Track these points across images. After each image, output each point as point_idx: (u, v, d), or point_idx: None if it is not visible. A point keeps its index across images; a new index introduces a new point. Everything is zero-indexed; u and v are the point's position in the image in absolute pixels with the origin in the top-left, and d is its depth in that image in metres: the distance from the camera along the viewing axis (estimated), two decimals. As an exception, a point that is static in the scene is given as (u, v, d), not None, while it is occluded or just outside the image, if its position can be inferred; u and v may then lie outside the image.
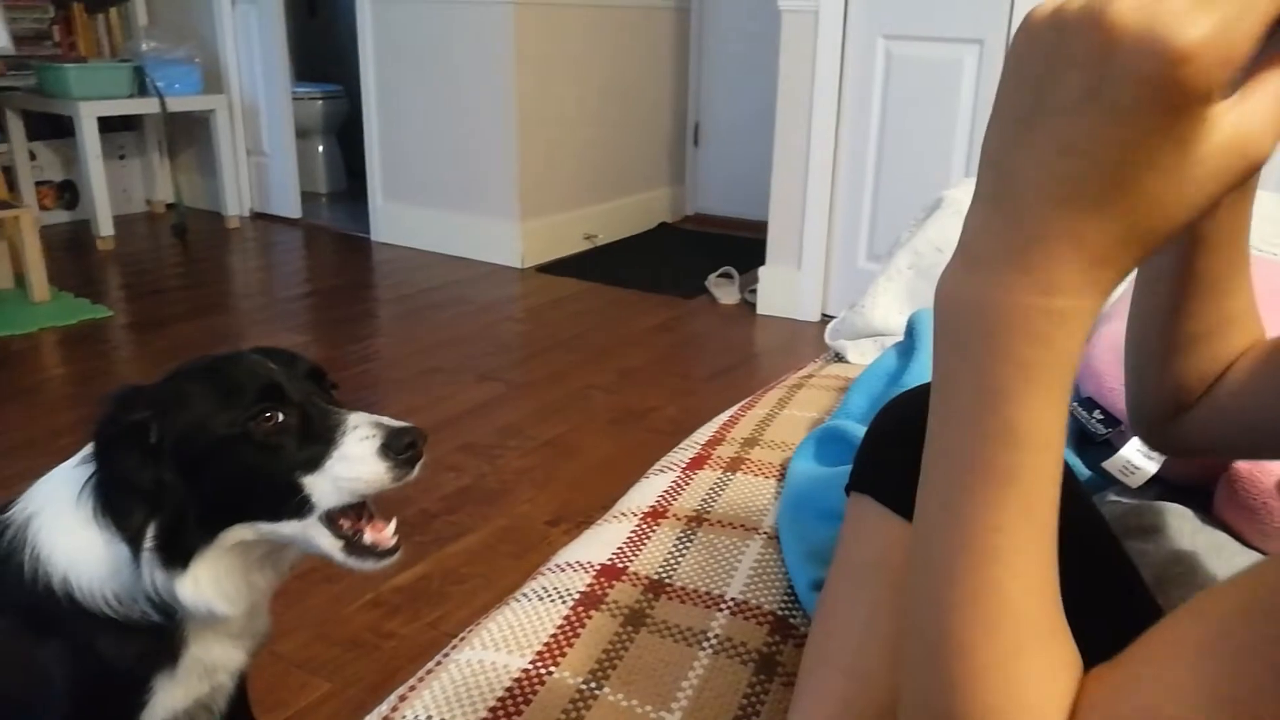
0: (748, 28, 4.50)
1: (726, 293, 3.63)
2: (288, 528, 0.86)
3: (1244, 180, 0.33)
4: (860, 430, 0.88)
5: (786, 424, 1.05)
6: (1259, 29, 0.30)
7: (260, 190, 4.73)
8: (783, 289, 3.39)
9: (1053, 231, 0.34)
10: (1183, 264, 0.55)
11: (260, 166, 4.69)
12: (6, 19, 3.49)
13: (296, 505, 0.84)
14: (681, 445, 1.06)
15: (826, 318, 3.35)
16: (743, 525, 0.86)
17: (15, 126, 4.23)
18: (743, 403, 1.18)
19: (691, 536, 0.85)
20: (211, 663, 0.96)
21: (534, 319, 3.45)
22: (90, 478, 0.87)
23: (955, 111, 2.94)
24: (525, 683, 0.67)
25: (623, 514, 0.91)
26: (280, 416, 0.84)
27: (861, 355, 1.27)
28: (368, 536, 0.87)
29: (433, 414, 2.54)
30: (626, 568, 0.80)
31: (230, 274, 4.06)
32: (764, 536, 0.84)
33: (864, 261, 3.23)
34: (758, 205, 4.37)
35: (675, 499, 0.91)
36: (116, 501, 0.84)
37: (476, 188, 3.97)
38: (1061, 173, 0.33)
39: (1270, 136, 0.32)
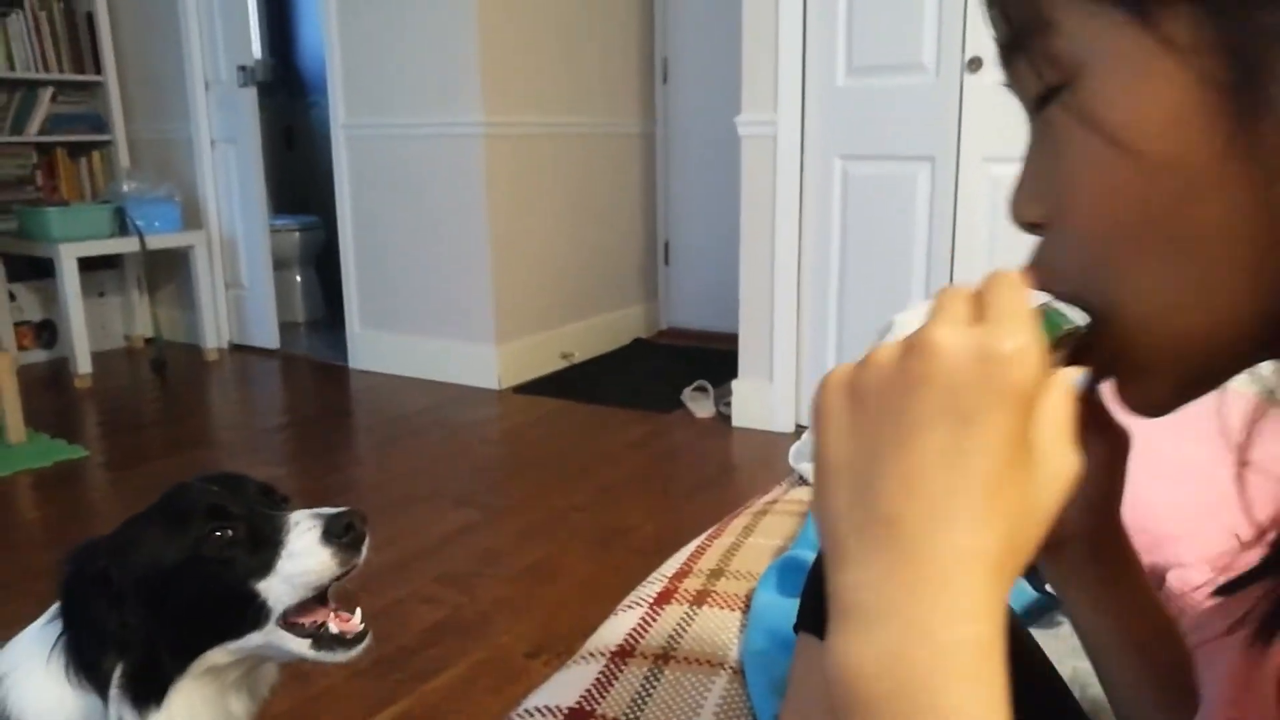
0: (710, 151, 4.68)
1: (702, 406, 3.66)
2: (253, 640, 0.86)
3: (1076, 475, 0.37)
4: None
5: (751, 552, 1.07)
6: (1045, 342, 0.36)
7: (238, 322, 4.78)
8: (756, 401, 3.44)
9: (944, 555, 0.34)
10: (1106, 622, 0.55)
11: (238, 299, 4.76)
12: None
13: (255, 613, 0.85)
14: (650, 579, 1.07)
15: (801, 428, 3.38)
16: (708, 661, 0.87)
17: (-5, 269, 4.29)
18: (709, 531, 1.19)
19: (659, 675, 0.85)
20: None
21: (512, 440, 3.47)
22: (60, 636, 0.88)
23: (912, 224, 3.04)
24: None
25: (591, 654, 0.92)
26: (228, 532, 0.87)
27: (825, 478, 1.29)
28: (334, 627, 0.88)
29: (410, 544, 2.52)
30: (594, 710, 0.81)
31: (208, 407, 4.07)
32: (729, 671, 0.85)
33: (835, 371, 3.29)
34: (729, 318, 4.45)
35: (642, 637, 0.92)
36: (85, 651, 0.85)
37: (452, 312, 4.04)
38: (937, 491, 0.34)
39: (1058, 442, 0.36)
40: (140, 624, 0.85)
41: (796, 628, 0.67)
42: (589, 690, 0.84)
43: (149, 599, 0.85)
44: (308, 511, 0.89)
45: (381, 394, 4.02)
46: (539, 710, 0.82)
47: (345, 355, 4.37)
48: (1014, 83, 0.42)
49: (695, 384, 3.78)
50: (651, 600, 1.00)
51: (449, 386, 4.04)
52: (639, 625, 0.95)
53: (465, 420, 3.65)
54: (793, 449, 1.42)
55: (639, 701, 0.82)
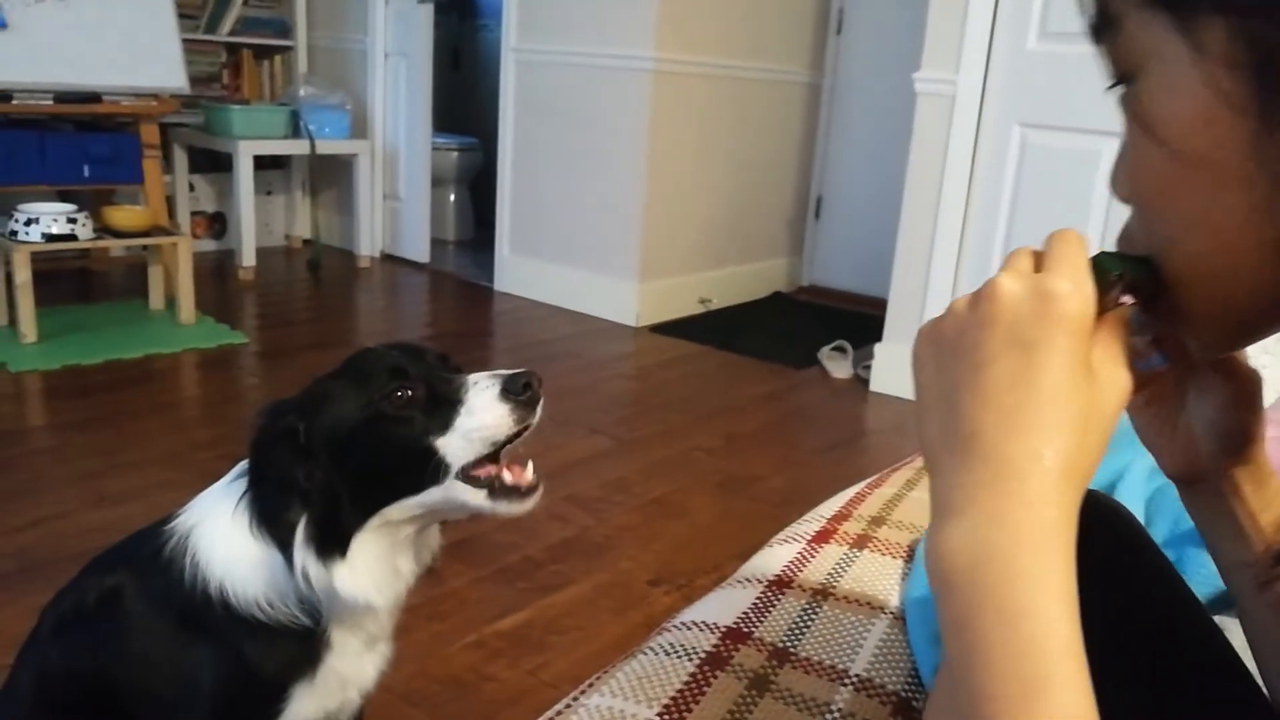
0: (880, 105, 4.53)
1: (839, 366, 3.60)
2: (432, 495, 0.89)
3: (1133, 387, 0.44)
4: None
5: (915, 505, 1.05)
6: (1095, 283, 0.43)
7: (392, 233, 4.95)
8: (898, 367, 3.35)
9: (1017, 456, 0.40)
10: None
11: (394, 210, 4.92)
12: (186, 62, 3.78)
13: (434, 469, 0.88)
14: (806, 517, 1.06)
15: (940, 400, 3.29)
16: (868, 603, 0.85)
17: (180, 160, 4.55)
18: (870, 480, 1.17)
19: (817, 609, 0.85)
20: (345, 675, 1.00)
21: (645, 377, 3.49)
22: (245, 492, 0.93)
23: (1089, 204, 2.88)
24: (653, 734, 0.68)
25: (747, 580, 0.92)
26: (408, 392, 0.89)
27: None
28: (508, 478, 0.91)
29: (543, 463, 2.56)
30: (751, 633, 0.81)
31: (357, 311, 4.25)
32: (890, 616, 0.84)
33: (983, 346, 3.17)
34: (876, 281, 4.35)
35: (801, 570, 0.92)
36: (271, 503, 0.90)
37: (599, 246, 4.07)
38: (1008, 406, 0.41)
39: (1109, 363, 0.43)
40: (325, 478, 0.89)
41: None
42: (746, 613, 0.84)
43: (334, 454, 0.89)
44: (485, 373, 0.92)
45: (523, 318, 4.10)
46: (696, 625, 0.83)
47: (491, 277, 4.48)
48: (1102, 66, 0.47)
49: (834, 343, 3.72)
50: (809, 537, 0.99)
51: (588, 319, 4.09)
52: (797, 559, 0.94)
53: (601, 353, 3.70)
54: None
55: (796, 631, 0.81)
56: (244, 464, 0.99)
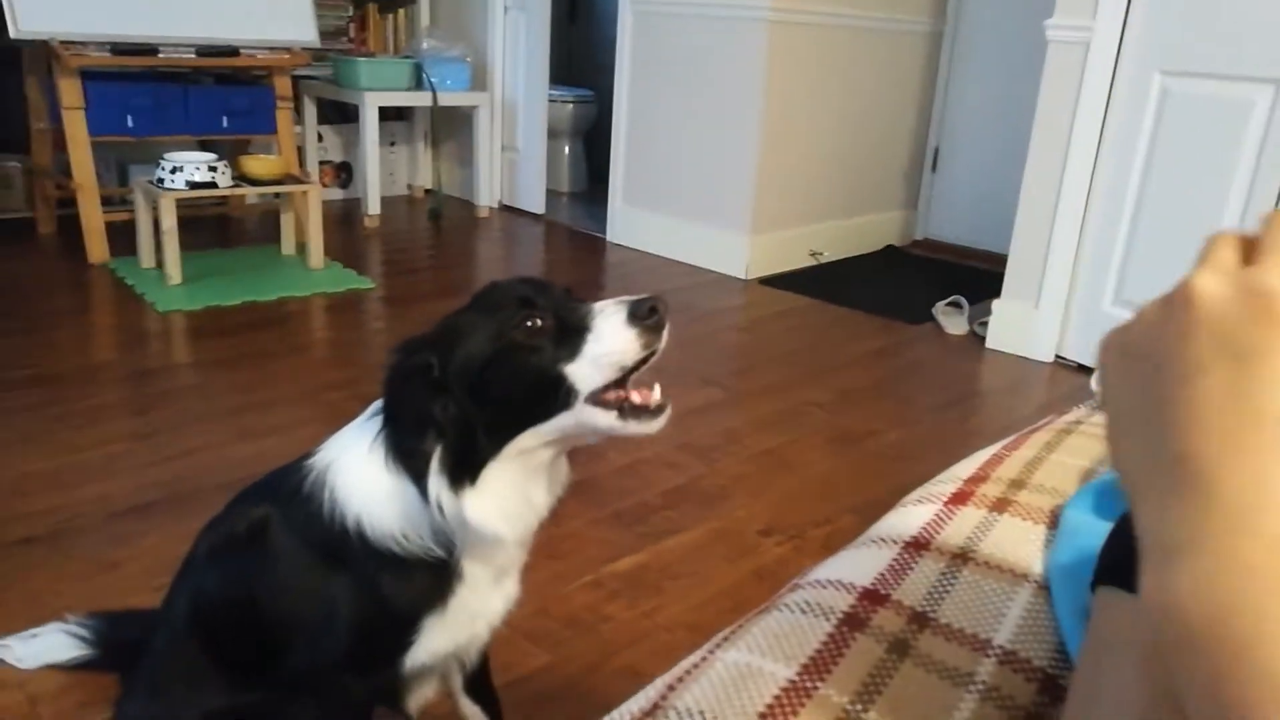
0: (1004, 54, 4.34)
1: (954, 322, 3.52)
2: (563, 420, 0.91)
3: None
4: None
5: (1056, 470, 1.02)
6: None
7: (509, 184, 5.03)
8: (1017, 325, 3.25)
9: (1247, 486, 0.35)
10: None
11: (512, 162, 4.99)
12: (315, 16, 3.89)
13: (565, 395, 0.91)
14: (940, 478, 1.05)
15: (1061, 359, 3.19)
16: (1011, 570, 0.85)
17: (309, 111, 4.71)
18: (1006, 442, 1.15)
19: (956, 573, 0.85)
20: (474, 609, 1.06)
21: (756, 330, 3.49)
22: (380, 429, 0.98)
23: (1236, 158, 2.72)
24: (792, 693, 0.70)
25: (881, 540, 0.92)
26: (537, 321, 0.92)
27: (1132, 409, 1.21)
28: (636, 398, 0.93)
29: (656, 413, 2.61)
30: (889, 595, 0.81)
31: (477, 260, 4.35)
32: (1033, 585, 0.83)
33: (1109, 305, 3.05)
34: (993, 235, 4.21)
35: (937, 532, 0.91)
36: (406, 436, 0.93)
37: (711, 198, 4.05)
38: (1227, 427, 0.35)
39: None
40: (459, 410, 0.92)
41: (1095, 583, 0.65)
42: (883, 574, 0.85)
43: (468, 386, 0.92)
44: (611, 300, 0.93)
45: (635, 270, 4.13)
46: (832, 584, 0.84)
47: (604, 228, 4.51)
48: None
49: (950, 299, 3.63)
50: (945, 499, 0.98)
51: (699, 271, 4.09)
52: (933, 521, 0.94)
53: (713, 305, 3.70)
54: (1096, 374, 1.33)
55: (936, 595, 0.81)
56: (378, 403, 1.04)
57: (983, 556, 0.86)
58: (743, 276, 3.99)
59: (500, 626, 1.12)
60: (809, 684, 0.71)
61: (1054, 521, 0.91)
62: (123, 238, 3.65)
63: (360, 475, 0.99)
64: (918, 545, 0.89)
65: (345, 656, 1.04)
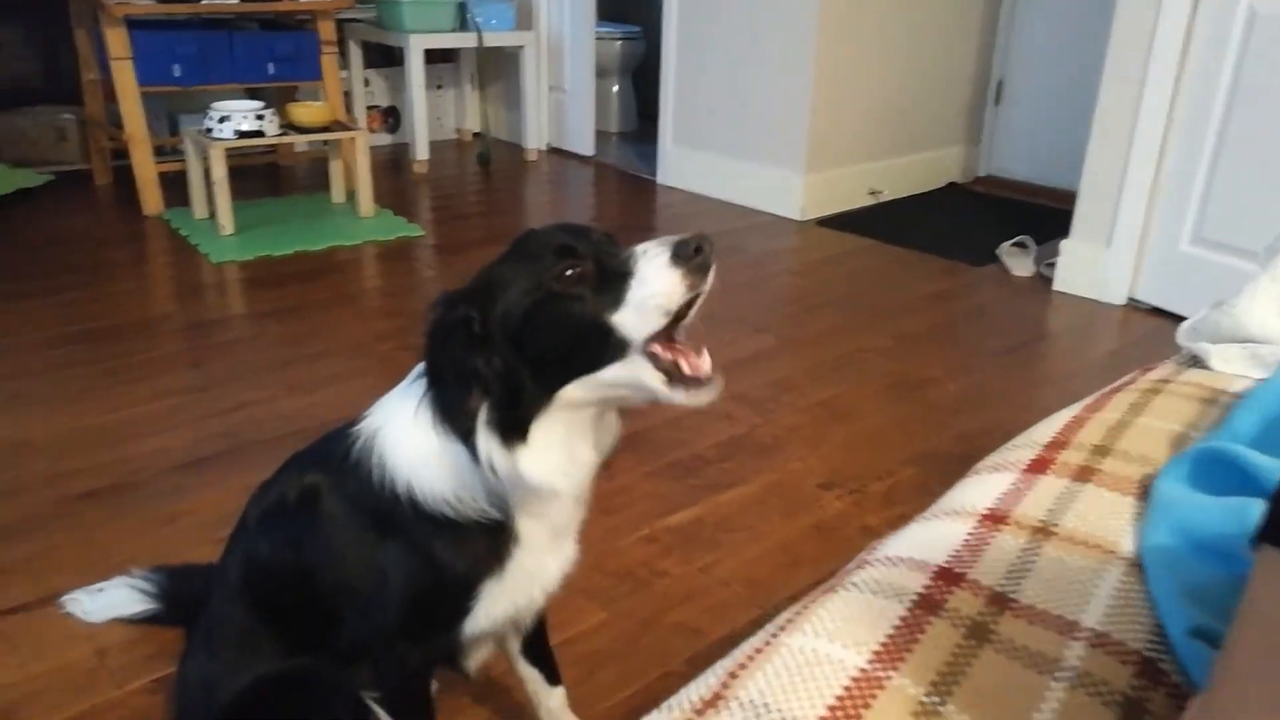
0: (1076, -24, 4.11)
1: (1020, 264, 3.39)
2: (612, 372, 0.88)
3: None
4: (1254, 457, 0.78)
5: (1144, 435, 0.95)
6: None
7: (558, 126, 4.94)
8: (1086, 266, 3.12)
9: None
10: None
11: (559, 103, 4.89)
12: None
13: (614, 346, 0.87)
14: (1014, 443, 0.99)
15: (1134, 302, 3.06)
16: (1098, 546, 0.79)
17: (355, 55, 4.66)
18: (1086, 402, 1.08)
19: (1037, 550, 0.79)
20: (532, 572, 1.03)
21: (811, 273, 3.39)
22: (425, 391, 0.95)
23: (1331, 82, 2.53)
24: (864, 683, 0.66)
25: (954, 512, 0.86)
26: (577, 269, 0.87)
27: (1226, 363, 1.13)
28: (685, 368, 0.89)
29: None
30: (965, 574, 0.76)
31: (526, 205, 4.29)
32: (1124, 562, 0.77)
33: (1187, 245, 2.90)
34: (1061, 172, 4.04)
35: (1015, 504, 0.86)
36: (451, 395, 0.90)
37: (764, 136, 3.93)
38: None
39: None
40: (504, 363, 0.88)
41: (1258, 540, 0.58)
42: (958, 550, 0.79)
43: (510, 339, 0.89)
44: (654, 241, 0.88)
45: (686, 212, 4.04)
46: (903, 561, 0.79)
47: (654, 170, 4.42)
48: None
49: (1015, 239, 3.49)
50: (1023, 466, 0.92)
51: (752, 213, 3.99)
52: (1010, 491, 0.88)
53: (766, 248, 3.61)
54: (1184, 326, 1.25)
55: (1016, 574, 0.76)
56: (422, 364, 1.01)
57: (1066, 531, 0.81)
58: (798, 218, 3.88)
59: (557, 589, 1.10)
60: (881, 673, 0.67)
61: (1144, 493, 0.84)
62: (176, 188, 3.66)
63: (408, 440, 0.96)
64: (994, 518, 0.84)
65: (401, 626, 1.03)
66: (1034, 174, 4.43)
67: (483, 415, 0.88)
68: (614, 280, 0.87)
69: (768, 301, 3.09)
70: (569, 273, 0.88)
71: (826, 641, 0.70)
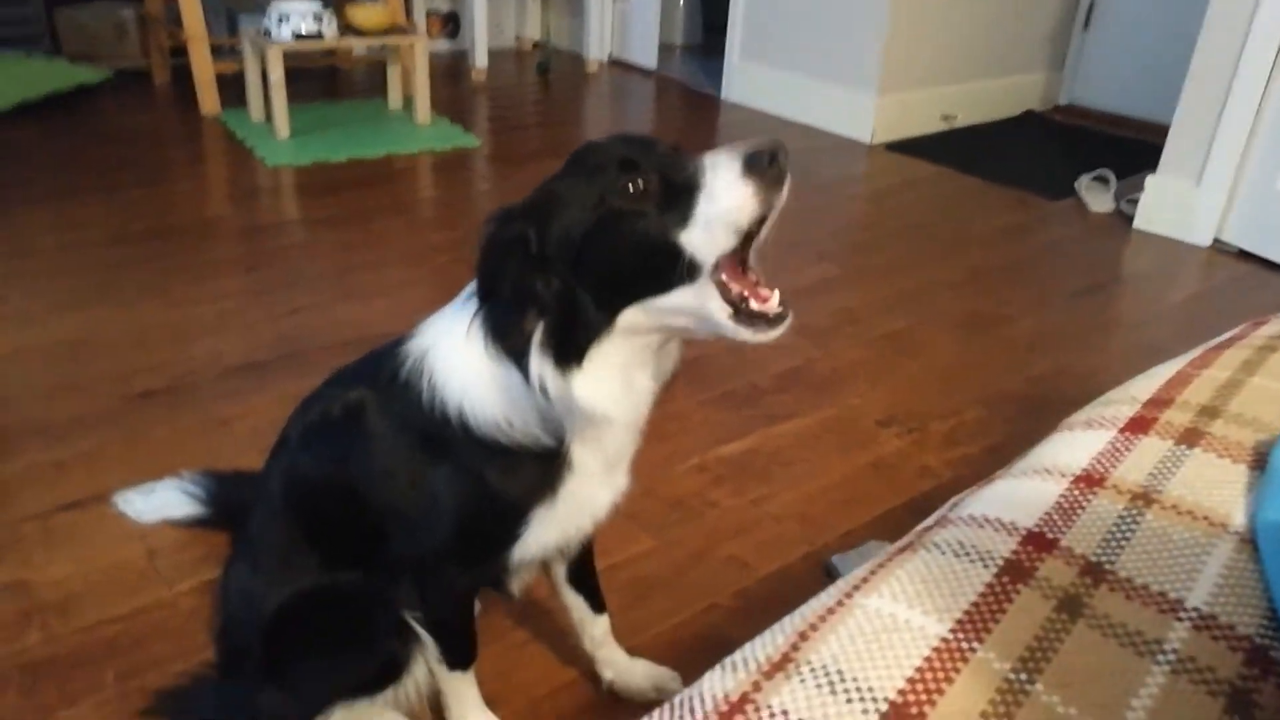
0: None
1: (1099, 199, 3.23)
2: (677, 297, 0.82)
3: None
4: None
5: (1259, 396, 0.87)
6: None
7: (621, 37, 4.78)
8: (1173, 204, 2.95)
9: None
10: None
11: (623, 13, 4.72)
12: None
13: (681, 268, 0.81)
14: (1110, 398, 0.92)
15: (1219, 244, 2.90)
16: (1206, 518, 0.72)
17: (415, -44, 4.53)
18: (1191, 357, 0.99)
19: (1138, 518, 0.73)
20: (583, 501, 0.99)
21: (879, 200, 3.27)
22: (477, 312, 0.90)
23: None
24: (945, 654, 0.60)
25: (1045, 470, 0.80)
26: (639, 183, 0.81)
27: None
28: (755, 304, 0.83)
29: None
30: (1058, 540, 0.70)
31: (585, 118, 4.18)
32: (1235, 537, 0.70)
33: (1285, 185, 2.73)
34: (1150, 102, 3.82)
35: (1113, 465, 0.79)
36: (505, 315, 0.85)
37: (836, 53, 3.75)
38: None
39: None
40: (562, 284, 0.83)
41: None
42: (1049, 513, 0.73)
43: (569, 258, 0.83)
44: (723, 149, 0.81)
45: (751, 130, 3.90)
46: (990, 522, 0.73)
47: (718, 85, 4.26)
48: None
49: (1096, 172, 3.32)
50: (1121, 424, 0.85)
51: (820, 134, 3.84)
52: (1107, 451, 0.81)
53: (834, 172, 3.48)
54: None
55: (1114, 543, 0.70)
56: (474, 284, 0.95)
57: (1170, 499, 0.74)
58: (867, 141, 3.73)
59: (607, 518, 1.06)
60: (965, 644, 0.62)
61: (1259, 461, 0.77)
62: (234, 89, 3.62)
63: (460, 361, 0.92)
64: (1090, 480, 0.77)
65: (450, 548, 1.00)
66: (1119, 104, 4.19)
67: (537, 337, 0.83)
68: (681, 195, 0.81)
69: (833, 228, 2.99)
70: (632, 188, 0.81)
71: (905, 606, 0.65)
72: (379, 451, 0.98)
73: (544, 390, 0.84)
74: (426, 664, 1.12)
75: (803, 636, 0.64)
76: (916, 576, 0.68)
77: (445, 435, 0.93)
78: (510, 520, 0.97)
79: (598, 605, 1.24)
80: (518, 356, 0.85)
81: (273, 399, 1.86)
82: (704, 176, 0.80)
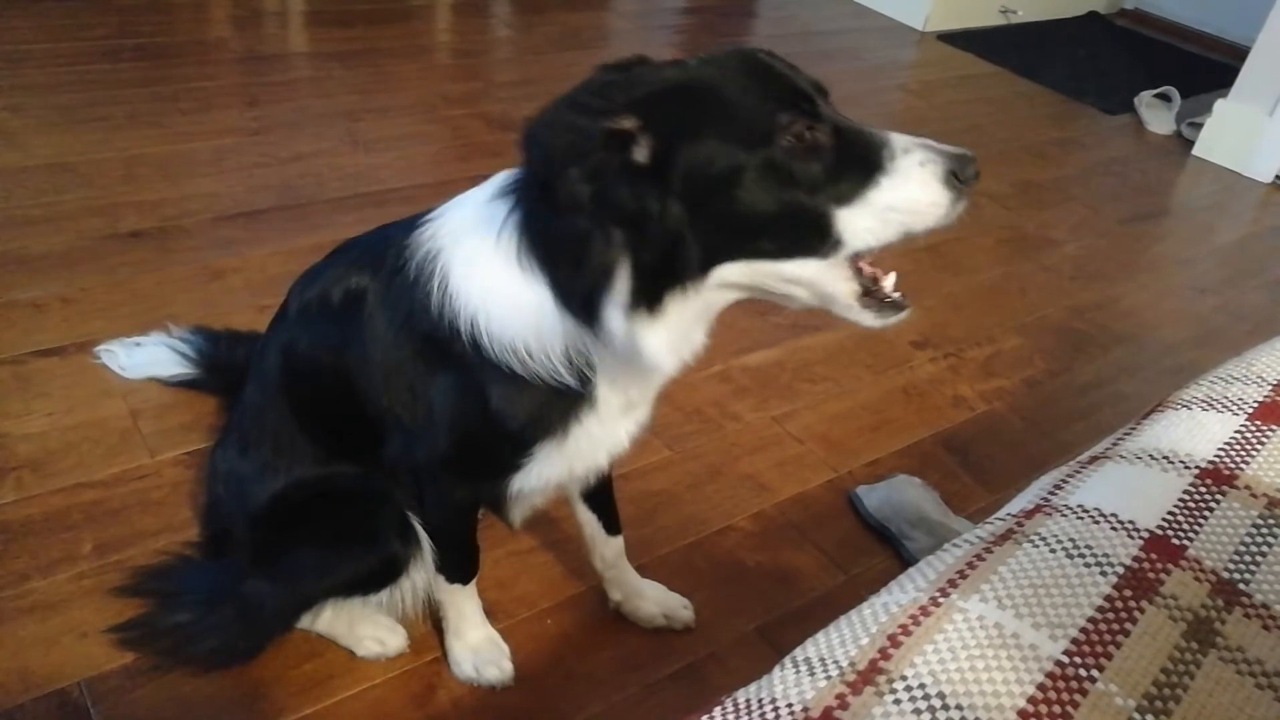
0: None
1: (1159, 118, 3.04)
2: (803, 266, 0.71)
3: None
4: None
5: None
6: None
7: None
8: (1238, 133, 2.78)
9: None
10: None
11: None
12: None
13: (825, 243, 0.70)
14: (1229, 373, 0.80)
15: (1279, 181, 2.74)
16: (1362, 540, 0.62)
17: None
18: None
19: (1276, 529, 0.63)
20: (599, 438, 0.89)
21: (928, 95, 3.06)
22: (514, 213, 0.76)
23: None
24: (1062, 682, 0.51)
25: (1166, 459, 0.70)
26: (814, 134, 0.69)
27: None
28: (888, 284, 0.74)
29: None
30: (1185, 547, 0.61)
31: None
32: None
33: (1363, 125, 2.55)
34: (1224, 17, 3.58)
35: (1246, 461, 0.68)
36: (572, 231, 0.69)
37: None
38: None
39: None
40: (676, 215, 0.68)
41: None
42: (1173, 514, 0.63)
43: (695, 191, 0.67)
44: (914, 139, 0.70)
45: (798, 5, 3.64)
46: (1104, 517, 0.63)
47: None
48: None
49: (1158, 89, 3.11)
50: (1250, 410, 0.74)
51: (869, 12, 3.59)
52: (1237, 442, 0.70)
53: (881, 57, 3.25)
54: None
55: (1249, 558, 0.60)
56: (502, 177, 0.81)
57: (1317, 512, 0.64)
58: (919, 28, 3.49)
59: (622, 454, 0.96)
60: (1083, 671, 0.52)
61: None
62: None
63: (481, 270, 0.78)
64: (1217, 476, 0.67)
65: (444, 458, 0.90)
66: (1191, 15, 3.92)
67: (622, 272, 0.69)
68: (855, 167, 0.69)
69: (877, 120, 2.77)
70: (808, 136, 0.68)
71: (1013, 616, 0.55)
72: (377, 349, 0.87)
73: (599, 332, 0.72)
74: (425, 570, 1.04)
75: (893, 641, 0.55)
76: (1023, 578, 0.59)
77: (450, 346, 0.81)
78: (511, 449, 0.87)
79: (612, 526, 1.15)
80: (589, 290, 0.70)
81: (270, 253, 1.73)
82: (894, 159, 0.69)
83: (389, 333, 0.86)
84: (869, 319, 0.73)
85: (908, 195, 0.68)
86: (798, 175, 0.68)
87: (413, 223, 0.87)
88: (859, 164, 0.69)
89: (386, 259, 0.86)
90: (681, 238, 0.69)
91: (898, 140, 0.70)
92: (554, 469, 0.89)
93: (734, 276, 0.72)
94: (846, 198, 0.68)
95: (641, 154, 0.67)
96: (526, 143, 0.69)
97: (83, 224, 1.73)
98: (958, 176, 0.68)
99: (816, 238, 0.69)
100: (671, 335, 0.73)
